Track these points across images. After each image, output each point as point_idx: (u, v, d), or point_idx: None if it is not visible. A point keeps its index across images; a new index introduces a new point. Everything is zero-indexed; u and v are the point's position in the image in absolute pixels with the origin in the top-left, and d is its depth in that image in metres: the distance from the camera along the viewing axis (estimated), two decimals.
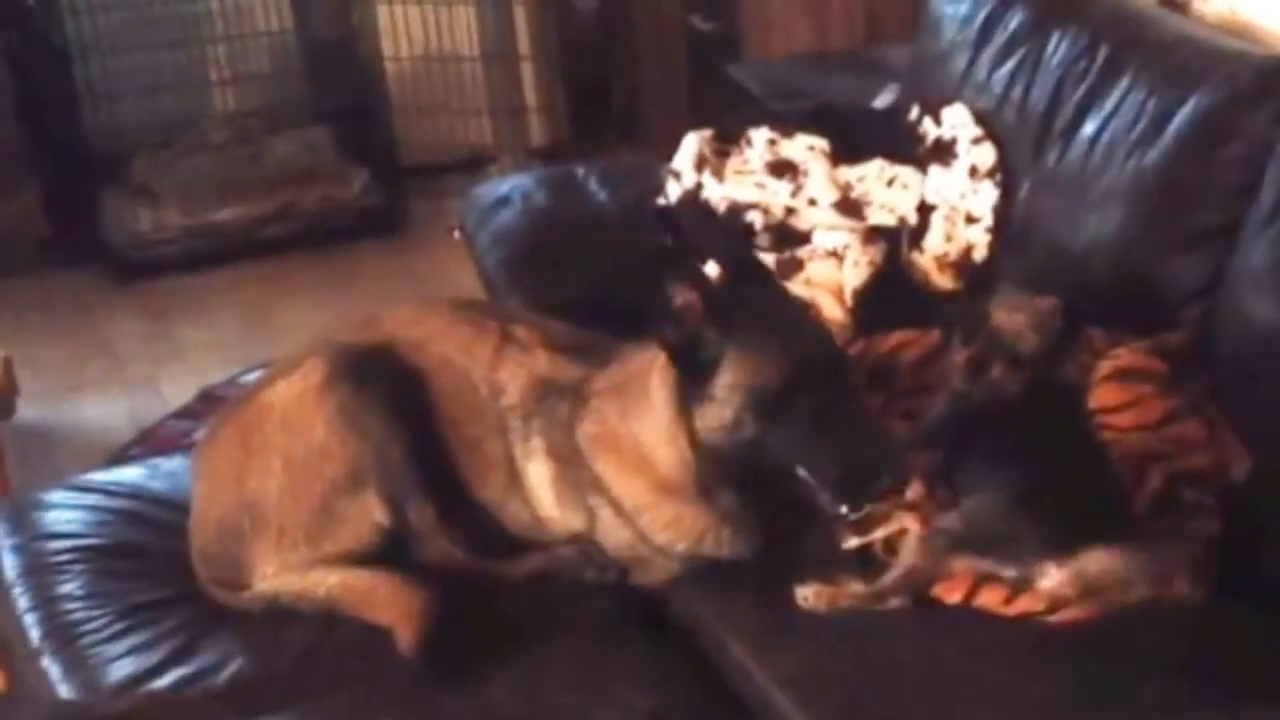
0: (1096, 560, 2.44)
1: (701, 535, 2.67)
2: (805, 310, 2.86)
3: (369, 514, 2.70)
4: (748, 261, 2.83)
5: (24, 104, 5.62)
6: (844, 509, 2.52)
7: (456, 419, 2.75)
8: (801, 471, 2.52)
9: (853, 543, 2.62)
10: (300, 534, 2.70)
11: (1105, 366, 2.83)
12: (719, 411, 2.53)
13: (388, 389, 2.72)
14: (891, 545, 2.59)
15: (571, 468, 2.70)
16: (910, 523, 2.58)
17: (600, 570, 2.71)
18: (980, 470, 2.53)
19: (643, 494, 2.66)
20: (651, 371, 2.63)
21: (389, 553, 2.71)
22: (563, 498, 2.72)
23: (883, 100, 4.11)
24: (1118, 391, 2.78)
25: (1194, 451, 2.71)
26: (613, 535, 2.70)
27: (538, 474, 2.72)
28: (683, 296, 2.50)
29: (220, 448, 2.79)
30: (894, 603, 2.52)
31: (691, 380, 2.55)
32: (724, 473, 2.60)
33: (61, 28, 5.59)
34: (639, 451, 2.65)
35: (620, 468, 2.67)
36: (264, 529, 2.70)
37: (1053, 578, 2.45)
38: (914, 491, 2.61)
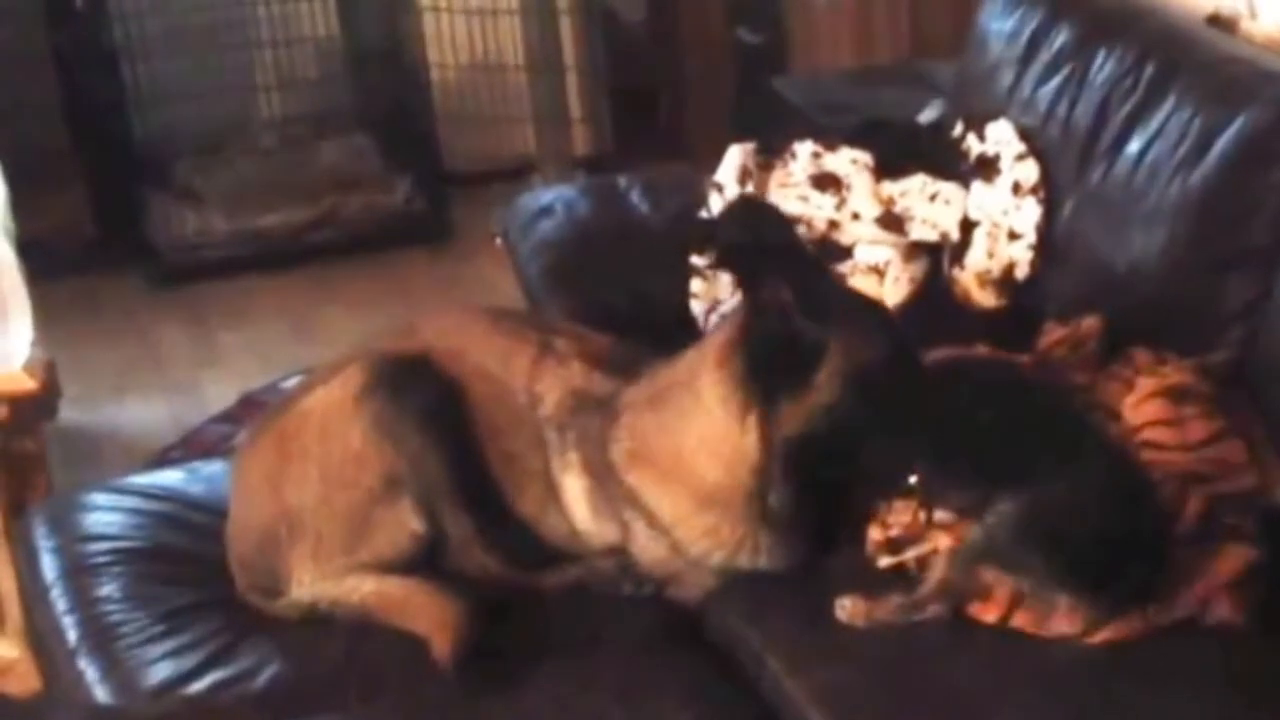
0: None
1: (739, 545, 2.66)
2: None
3: (405, 523, 2.70)
4: (807, 255, 2.79)
5: (71, 106, 5.65)
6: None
7: (494, 430, 2.75)
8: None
9: (885, 561, 2.62)
10: (337, 542, 2.70)
11: (1149, 384, 2.82)
12: (814, 399, 2.52)
13: (425, 398, 2.72)
14: (925, 563, 2.58)
15: (605, 482, 2.69)
16: (943, 540, 2.57)
17: (637, 584, 2.72)
18: (1004, 484, 2.52)
19: (680, 503, 2.65)
20: (699, 376, 2.62)
21: (425, 562, 2.71)
22: (598, 511, 2.71)
23: (927, 115, 4.10)
24: (1161, 409, 2.77)
25: (1235, 474, 2.70)
26: (648, 549, 2.70)
27: (573, 487, 2.72)
28: (770, 292, 2.50)
29: (258, 455, 2.80)
30: (932, 610, 2.52)
31: (781, 374, 2.54)
32: (792, 471, 2.59)
33: (110, 30, 5.61)
34: (678, 461, 2.64)
35: (656, 480, 2.66)
36: (301, 536, 2.71)
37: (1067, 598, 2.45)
38: (945, 512, 2.60)
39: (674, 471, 2.65)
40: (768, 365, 2.55)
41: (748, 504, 2.63)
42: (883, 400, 2.51)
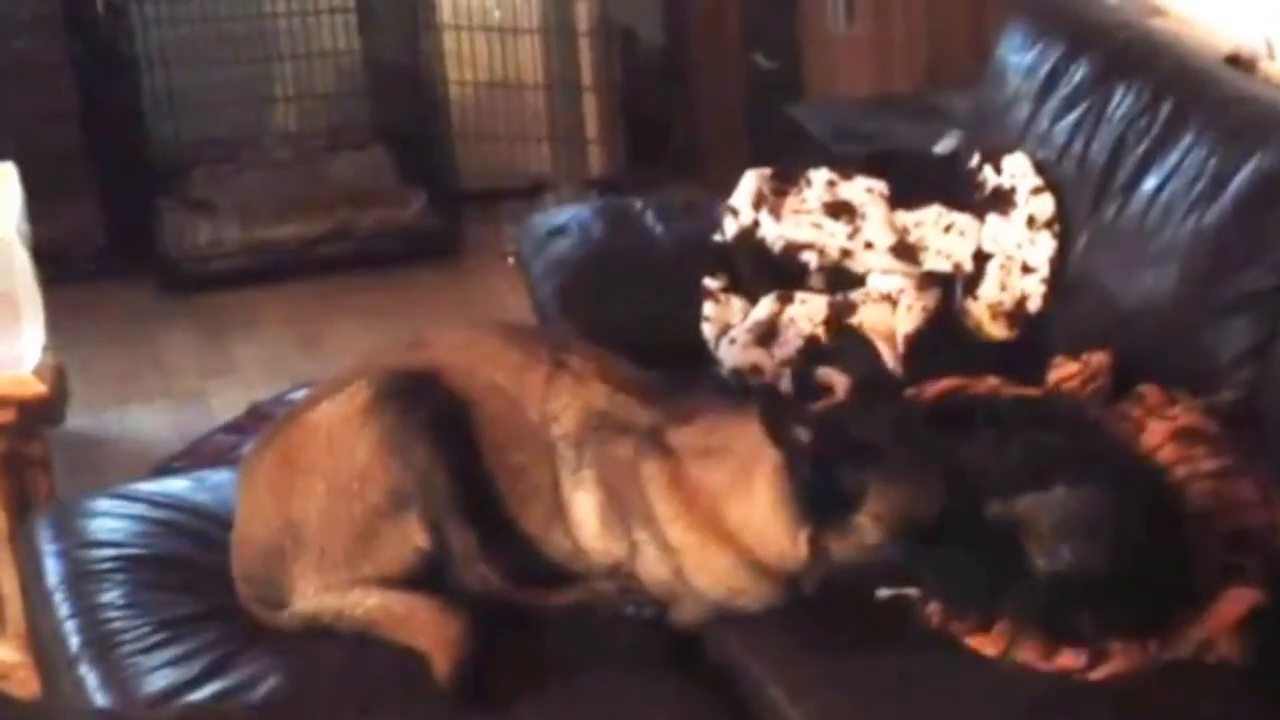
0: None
1: (748, 596, 2.66)
2: (930, 430, 2.76)
3: (410, 538, 2.69)
4: (877, 378, 2.76)
5: (88, 113, 5.66)
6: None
7: (503, 445, 2.74)
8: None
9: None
10: (340, 555, 2.70)
11: (1160, 428, 2.81)
12: (858, 538, 2.50)
13: (434, 413, 2.71)
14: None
15: (622, 500, 2.68)
16: None
17: (638, 607, 2.71)
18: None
19: (714, 557, 2.63)
20: (756, 471, 2.59)
21: (428, 577, 2.70)
22: (608, 526, 2.69)
23: (943, 146, 4.11)
24: (1171, 454, 2.76)
25: (1243, 513, 2.69)
26: (652, 570, 2.68)
27: (584, 503, 2.70)
28: (808, 436, 2.48)
29: (264, 466, 2.80)
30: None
31: (824, 510, 2.52)
32: (831, 576, 2.58)
33: (130, 39, 5.63)
34: (726, 525, 2.62)
35: (694, 525, 2.63)
36: (305, 549, 2.70)
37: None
38: None
39: (718, 529, 2.63)
40: (812, 499, 2.53)
41: (783, 579, 2.63)
42: (927, 549, 2.49)
